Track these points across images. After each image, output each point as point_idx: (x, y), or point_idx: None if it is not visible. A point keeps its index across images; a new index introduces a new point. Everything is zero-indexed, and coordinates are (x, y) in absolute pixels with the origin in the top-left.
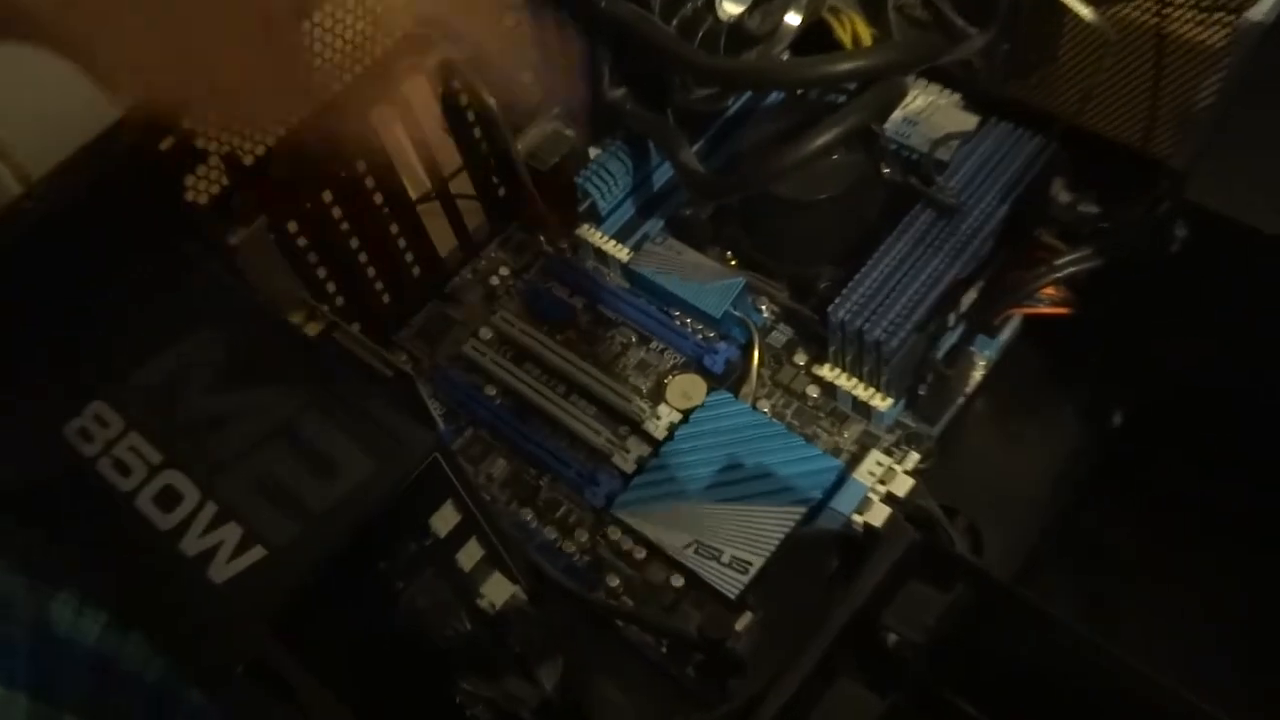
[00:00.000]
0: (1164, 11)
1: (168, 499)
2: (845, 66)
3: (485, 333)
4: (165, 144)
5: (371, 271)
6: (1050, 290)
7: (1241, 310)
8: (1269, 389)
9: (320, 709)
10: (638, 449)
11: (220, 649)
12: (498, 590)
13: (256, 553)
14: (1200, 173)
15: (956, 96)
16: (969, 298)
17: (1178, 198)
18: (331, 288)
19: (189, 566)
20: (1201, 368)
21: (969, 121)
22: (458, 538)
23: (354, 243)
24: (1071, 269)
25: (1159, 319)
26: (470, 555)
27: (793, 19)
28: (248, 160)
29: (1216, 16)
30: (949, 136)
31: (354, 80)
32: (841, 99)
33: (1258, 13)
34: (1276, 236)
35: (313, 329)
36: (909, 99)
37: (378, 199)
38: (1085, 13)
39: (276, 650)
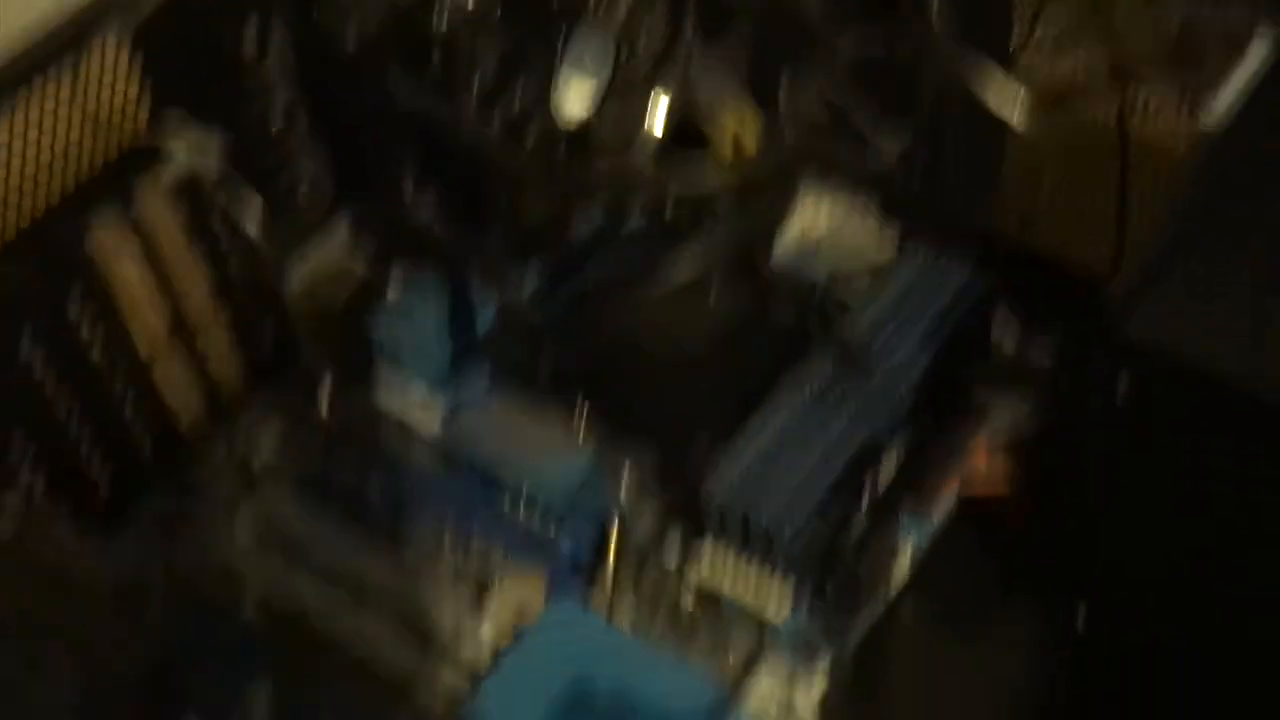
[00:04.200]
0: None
1: None
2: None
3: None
4: None
5: (85, 450)
6: (983, 462)
7: (1214, 480)
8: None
9: None
10: (450, 680)
11: None
12: None
13: None
14: (1144, 304)
15: (868, 215)
16: (887, 469)
17: (1115, 336)
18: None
19: None
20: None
21: (883, 246)
22: None
23: (62, 409)
24: (1010, 432)
25: (1117, 494)
26: None
27: (659, 110)
28: None
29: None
30: (858, 265)
31: (68, 194)
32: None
33: (1210, 116)
34: (1244, 388)
35: None
36: (808, 217)
37: (95, 354)
38: (1016, 120)
39: None
